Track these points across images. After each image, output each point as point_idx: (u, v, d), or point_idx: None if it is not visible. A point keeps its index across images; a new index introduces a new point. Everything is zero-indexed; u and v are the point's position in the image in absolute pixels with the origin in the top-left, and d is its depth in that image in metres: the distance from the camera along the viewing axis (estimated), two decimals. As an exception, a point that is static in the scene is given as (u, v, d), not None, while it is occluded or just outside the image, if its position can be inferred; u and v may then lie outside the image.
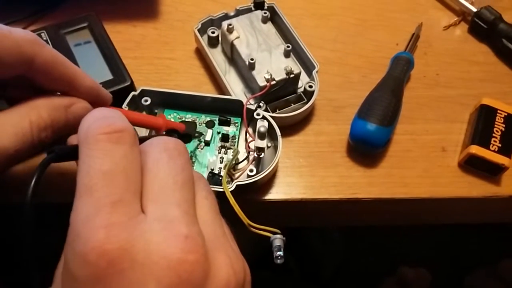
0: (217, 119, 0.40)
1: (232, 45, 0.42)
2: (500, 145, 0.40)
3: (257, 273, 0.69)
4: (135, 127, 0.26)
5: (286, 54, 0.42)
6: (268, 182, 0.39)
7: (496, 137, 0.40)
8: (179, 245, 0.19)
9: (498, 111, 0.42)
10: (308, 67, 0.43)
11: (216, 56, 0.44)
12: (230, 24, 0.42)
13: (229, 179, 0.36)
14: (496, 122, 0.41)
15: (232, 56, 0.44)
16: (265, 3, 0.45)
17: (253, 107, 0.39)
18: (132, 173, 0.21)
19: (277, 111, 0.41)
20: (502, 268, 0.77)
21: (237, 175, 0.37)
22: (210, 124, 0.40)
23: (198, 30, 0.44)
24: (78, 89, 0.29)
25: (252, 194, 0.38)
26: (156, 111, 0.40)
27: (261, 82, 0.40)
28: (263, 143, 0.36)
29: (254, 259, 0.61)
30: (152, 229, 0.19)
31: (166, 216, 0.20)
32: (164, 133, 0.35)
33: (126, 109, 0.38)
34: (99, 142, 0.20)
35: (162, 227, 0.20)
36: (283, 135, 0.38)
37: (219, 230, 0.23)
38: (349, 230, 0.79)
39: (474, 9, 0.50)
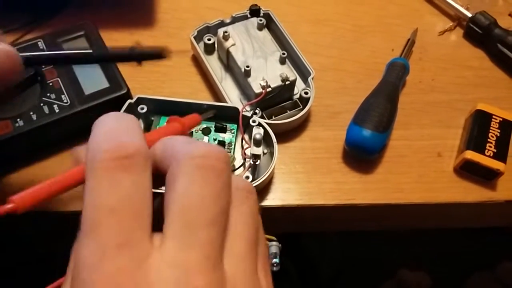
0: (213, 126, 0.40)
1: (228, 52, 0.43)
2: (495, 150, 0.40)
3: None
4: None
5: (282, 61, 0.42)
6: (264, 189, 0.39)
7: (491, 142, 0.40)
8: None
9: (493, 116, 0.42)
10: (303, 73, 0.43)
11: (212, 63, 0.45)
12: (226, 31, 0.43)
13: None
14: (491, 127, 0.41)
15: (228, 63, 0.44)
16: (261, 10, 0.45)
17: (249, 114, 0.39)
18: (143, 207, 0.18)
19: (273, 118, 0.41)
20: (501, 271, 0.77)
21: (233, 182, 0.37)
22: (206, 131, 0.40)
23: (194, 37, 0.44)
24: None
25: (248, 201, 0.38)
26: (152, 118, 0.40)
27: (257, 89, 0.40)
28: (259, 150, 0.36)
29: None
30: (163, 278, 0.17)
31: (183, 262, 0.17)
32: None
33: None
34: (106, 171, 0.18)
35: (175, 277, 0.17)
36: (279, 142, 0.38)
37: (250, 267, 0.19)
38: (348, 233, 0.79)
39: (469, 14, 0.50)
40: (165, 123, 0.28)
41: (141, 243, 0.17)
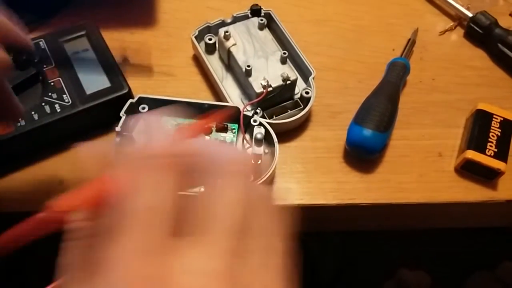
0: (214, 125, 0.40)
1: (229, 52, 0.43)
2: (496, 150, 0.40)
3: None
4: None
5: (283, 61, 0.42)
6: (265, 188, 0.39)
7: (492, 142, 0.40)
8: None
9: (494, 116, 0.42)
10: (304, 73, 0.43)
11: (213, 63, 0.45)
12: (227, 31, 0.43)
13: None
14: (492, 127, 0.41)
15: (229, 63, 0.44)
16: (262, 10, 0.45)
17: (250, 114, 0.39)
18: (169, 209, 0.19)
19: (274, 118, 0.41)
20: (501, 270, 0.77)
21: (234, 181, 0.37)
22: (207, 131, 0.40)
23: (195, 37, 0.44)
24: None
25: (249, 201, 0.38)
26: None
27: (258, 89, 0.40)
28: (260, 150, 0.37)
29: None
30: (185, 286, 0.17)
31: (207, 270, 0.17)
32: None
33: (124, 117, 0.38)
34: (138, 172, 0.18)
35: (198, 286, 0.17)
36: (280, 141, 0.38)
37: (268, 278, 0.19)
38: (348, 234, 0.79)
39: (470, 14, 0.50)
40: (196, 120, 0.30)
41: (165, 247, 0.17)
